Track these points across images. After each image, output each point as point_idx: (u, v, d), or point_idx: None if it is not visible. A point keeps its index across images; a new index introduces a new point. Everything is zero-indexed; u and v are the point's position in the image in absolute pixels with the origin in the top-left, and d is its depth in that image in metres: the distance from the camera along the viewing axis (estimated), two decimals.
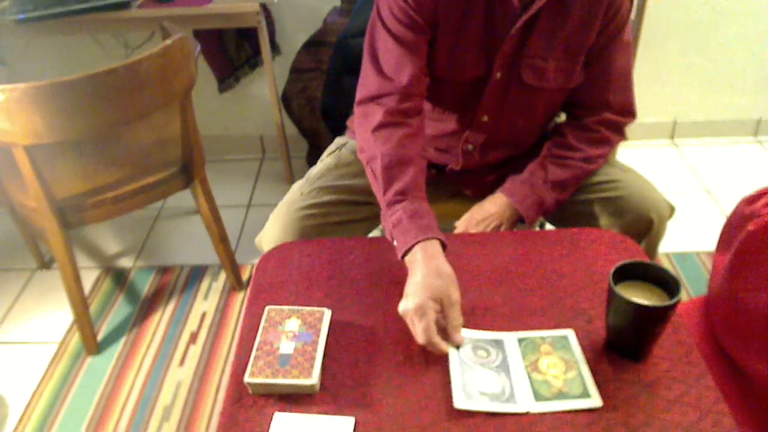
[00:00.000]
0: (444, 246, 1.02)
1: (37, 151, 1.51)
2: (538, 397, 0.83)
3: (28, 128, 1.43)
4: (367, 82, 1.19)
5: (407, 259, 1.00)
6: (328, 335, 0.93)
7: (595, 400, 0.82)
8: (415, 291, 0.93)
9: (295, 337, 0.91)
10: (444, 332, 0.91)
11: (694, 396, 0.82)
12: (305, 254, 1.11)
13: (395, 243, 1.04)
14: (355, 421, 0.81)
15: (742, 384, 1.23)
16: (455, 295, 0.93)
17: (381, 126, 1.14)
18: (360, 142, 1.18)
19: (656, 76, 2.54)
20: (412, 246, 0.99)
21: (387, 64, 1.16)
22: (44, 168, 1.57)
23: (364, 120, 1.17)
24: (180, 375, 1.74)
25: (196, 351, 1.81)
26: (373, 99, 1.17)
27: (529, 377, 0.86)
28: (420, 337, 0.89)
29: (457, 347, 0.90)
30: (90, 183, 1.69)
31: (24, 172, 1.52)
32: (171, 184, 1.77)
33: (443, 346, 0.89)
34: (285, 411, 0.83)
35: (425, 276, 0.94)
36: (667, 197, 1.29)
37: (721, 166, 2.53)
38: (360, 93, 1.20)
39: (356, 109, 1.20)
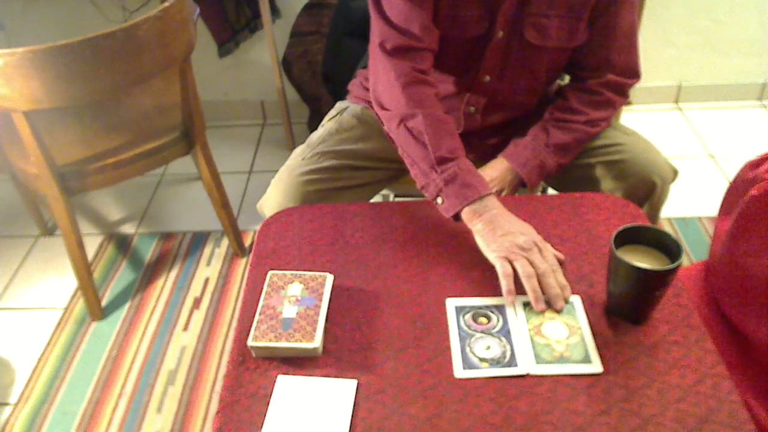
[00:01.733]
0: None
1: (36, 116, 1.50)
2: (539, 360, 0.83)
3: (27, 93, 1.42)
4: (382, 31, 1.16)
5: (470, 210, 1.01)
6: (330, 300, 0.93)
7: (595, 366, 0.82)
8: (521, 230, 0.96)
9: (298, 302, 0.92)
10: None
11: (693, 359, 0.83)
12: (307, 219, 1.11)
13: (439, 201, 1.04)
14: (358, 383, 0.82)
15: (741, 348, 1.24)
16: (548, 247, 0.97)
17: (412, 83, 1.13)
18: (383, 97, 1.16)
19: (662, 39, 2.50)
20: (484, 197, 1.01)
21: (399, 14, 1.14)
22: (44, 134, 1.56)
23: (385, 71, 1.15)
24: (184, 340, 1.75)
25: (199, 316, 1.82)
26: (400, 51, 1.15)
27: (532, 341, 0.86)
28: (540, 266, 0.92)
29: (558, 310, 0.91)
30: (90, 149, 1.69)
31: (24, 138, 1.51)
32: (172, 149, 1.76)
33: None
34: (288, 374, 0.84)
35: (519, 221, 0.98)
36: (670, 161, 1.28)
37: (726, 131, 2.51)
38: (375, 42, 1.17)
39: (380, 58, 1.17)
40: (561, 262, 0.96)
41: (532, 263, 0.92)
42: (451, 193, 1.03)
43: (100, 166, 1.67)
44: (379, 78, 1.17)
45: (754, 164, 1.11)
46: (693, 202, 2.13)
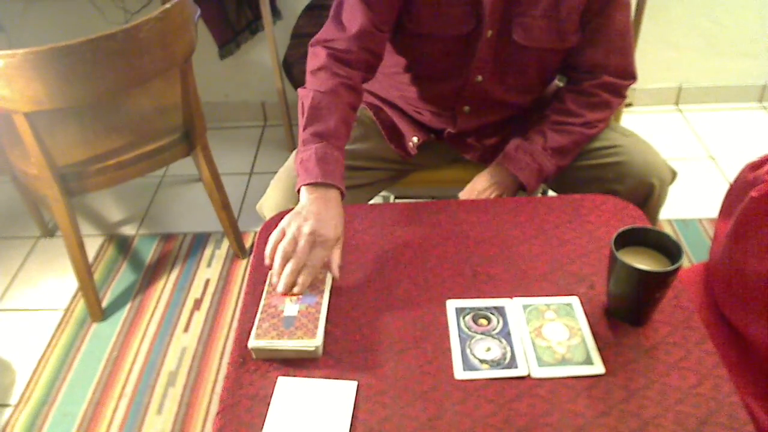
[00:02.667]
0: (342, 196, 1.04)
1: (37, 118, 1.50)
2: (540, 362, 0.83)
3: (28, 95, 1.42)
4: (325, 27, 1.20)
5: (303, 191, 1.02)
6: (330, 301, 0.93)
7: (597, 368, 0.82)
8: (315, 221, 0.96)
9: (299, 300, 0.92)
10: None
11: (693, 360, 0.83)
12: None
13: (298, 178, 1.05)
14: (358, 384, 0.82)
15: (741, 349, 1.24)
16: (341, 241, 0.98)
17: (321, 68, 1.14)
18: (305, 80, 1.19)
19: (662, 41, 2.50)
20: (311, 183, 1.01)
21: (345, 12, 1.16)
22: (45, 135, 1.56)
23: (310, 60, 1.18)
24: (184, 341, 1.75)
25: (200, 317, 1.82)
26: (322, 42, 1.17)
27: (533, 343, 0.86)
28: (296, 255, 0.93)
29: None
30: (91, 150, 1.69)
31: (25, 140, 1.52)
32: (172, 151, 1.76)
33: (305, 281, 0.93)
34: (288, 375, 0.84)
35: (323, 218, 0.98)
36: (670, 163, 1.28)
37: (726, 133, 2.51)
38: (315, 36, 1.20)
39: (309, 50, 1.20)
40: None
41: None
42: (302, 171, 1.04)
43: (101, 167, 1.67)
44: (307, 62, 1.19)
45: (755, 166, 1.11)
46: (693, 204, 2.13)
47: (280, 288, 0.93)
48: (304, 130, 1.09)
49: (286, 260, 0.94)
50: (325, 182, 1.01)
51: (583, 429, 0.75)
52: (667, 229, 2.02)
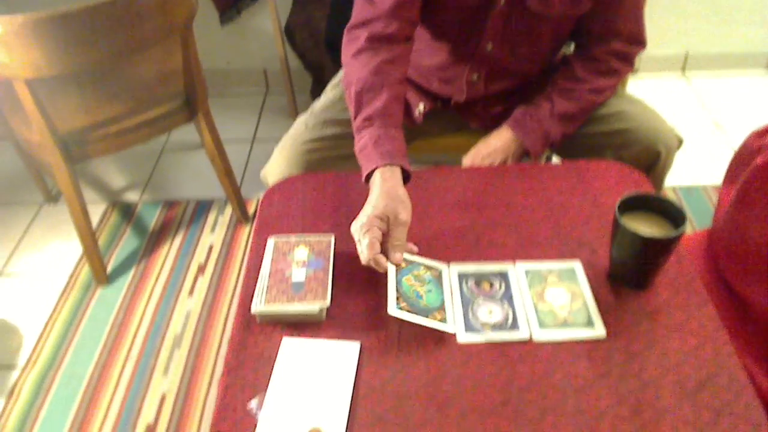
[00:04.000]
0: (407, 174, 1.01)
1: (38, 84, 1.49)
2: (542, 325, 0.84)
3: (28, 61, 1.41)
4: (355, 9, 1.17)
5: (370, 183, 1.00)
6: (334, 265, 0.94)
7: (598, 331, 0.83)
8: (364, 211, 0.93)
9: (305, 265, 0.92)
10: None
11: (694, 324, 0.83)
12: (310, 187, 1.11)
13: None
14: (361, 345, 0.83)
15: (742, 314, 1.24)
16: (403, 216, 0.93)
17: (361, 51, 1.12)
18: (344, 68, 1.17)
19: (669, 7, 2.47)
20: (372, 171, 0.99)
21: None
22: (46, 102, 1.55)
23: (347, 46, 1.16)
24: (189, 305, 1.77)
25: (204, 282, 1.84)
26: (359, 25, 1.14)
27: (535, 307, 0.87)
28: (363, 253, 0.89)
29: (396, 266, 0.91)
30: (92, 117, 1.68)
31: (26, 106, 1.51)
32: (174, 117, 1.75)
33: (383, 261, 0.89)
34: (293, 336, 0.85)
35: (377, 197, 0.95)
36: (675, 129, 1.27)
37: (732, 100, 2.49)
38: (350, 21, 1.17)
39: (344, 37, 1.18)
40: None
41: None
42: (362, 160, 1.03)
43: (103, 133, 1.66)
44: (344, 49, 1.17)
45: (760, 133, 1.10)
46: (698, 171, 2.12)
47: (394, 261, 0.90)
48: (355, 118, 1.08)
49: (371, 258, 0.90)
50: (385, 164, 0.99)
51: (583, 390, 0.76)
52: (671, 197, 2.01)
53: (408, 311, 0.84)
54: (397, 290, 0.87)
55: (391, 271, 0.90)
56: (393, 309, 0.84)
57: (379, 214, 0.92)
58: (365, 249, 0.89)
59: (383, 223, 0.92)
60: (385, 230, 0.92)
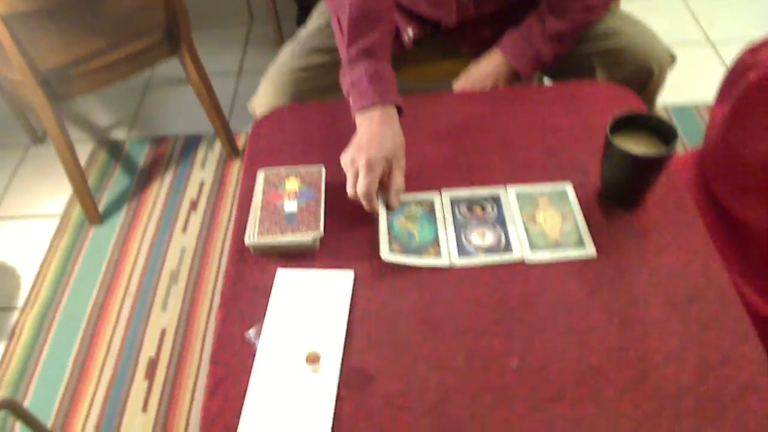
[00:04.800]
0: (400, 111, 1.00)
1: (15, 21, 1.45)
2: (534, 247, 0.85)
3: None
4: None
5: (360, 118, 0.98)
6: (325, 195, 0.94)
7: (589, 250, 0.84)
8: (369, 146, 0.91)
9: (297, 196, 0.92)
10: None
11: (684, 240, 0.84)
12: (299, 117, 1.09)
13: (351, 101, 1.01)
14: (355, 273, 0.84)
15: (732, 231, 1.26)
16: (403, 161, 0.93)
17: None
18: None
19: None
20: (368, 107, 0.97)
21: None
22: (25, 39, 1.51)
23: None
24: (183, 241, 1.78)
25: (197, 218, 1.84)
26: None
27: (526, 229, 0.87)
28: (361, 188, 0.88)
29: (388, 209, 0.91)
30: (73, 53, 1.64)
31: (4, 44, 1.47)
32: (157, 50, 1.71)
33: (376, 204, 0.89)
34: (287, 267, 0.86)
35: (381, 136, 0.93)
36: (667, 47, 1.25)
37: (726, 16, 2.44)
38: None
39: None
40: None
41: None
42: (356, 95, 1.00)
43: (85, 69, 1.63)
44: None
45: (754, 49, 1.08)
46: (690, 90, 2.10)
47: (393, 206, 0.91)
48: (348, 47, 1.03)
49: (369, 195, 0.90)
50: (385, 104, 0.97)
51: (573, 307, 0.78)
52: (663, 116, 2.00)
53: (401, 253, 0.85)
54: (388, 233, 0.87)
55: (382, 215, 0.90)
56: (386, 254, 0.84)
57: (386, 155, 0.91)
58: (365, 185, 0.88)
59: (387, 165, 0.91)
60: (386, 172, 0.91)
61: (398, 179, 0.92)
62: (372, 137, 0.93)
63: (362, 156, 0.90)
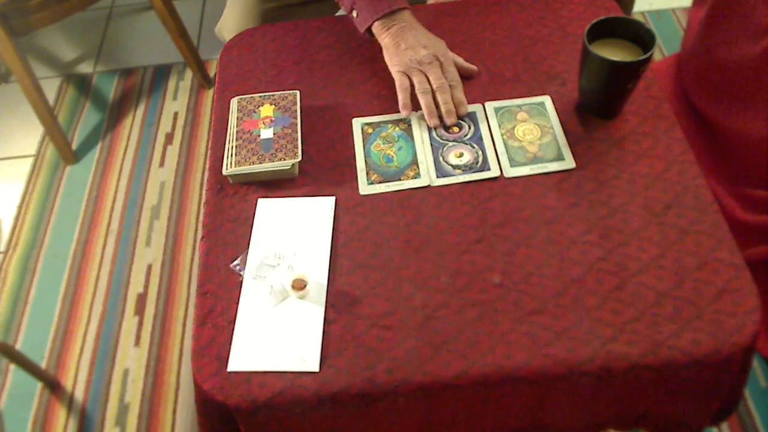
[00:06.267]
0: None
1: None
2: (513, 162, 0.85)
3: None
4: None
5: (383, 25, 0.94)
6: (301, 120, 0.92)
7: (568, 162, 0.84)
8: (427, 43, 0.92)
9: (273, 122, 0.90)
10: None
11: (662, 148, 0.84)
12: (270, 39, 1.06)
13: (354, 15, 0.97)
14: (336, 199, 0.84)
15: (709, 136, 1.27)
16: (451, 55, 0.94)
17: None
18: None
19: None
20: (398, 11, 0.94)
21: None
22: None
23: None
24: (162, 175, 1.76)
25: (174, 151, 1.81)
26: None
27: (505, 145, 0.87)
28: (435, 82, 0.90)
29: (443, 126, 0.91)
30: None
31: None
32: None
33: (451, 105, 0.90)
34: (268, 197, 0.85)
35: (427, 35, 0.93)
36: None
37: None
38: None
39: None
40: (471, 74, 0.95)
41: (429, 78, 0.91)
42: (363, 6, 0.96)
43: (42, 0, 1.55)
44: None
45: None
46: None
47: (451, 119, 0.89)
48: None
49: (431, 97, 0.90)
50: (399, 8, 0.94)
51: (553, 221, 0.79)
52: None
53: (380, 182, 0.84)
54: (366, 164, 0.86)
55: (359, 144, 0.89)
56: (365, 188, 0.84)
57: (443, 51, 0.92)
58: (437, 78, 0.90)
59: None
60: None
61: (453, 75, 0.92)
62: (420, 37, 0.93)
63: (426, 52, 0.91)
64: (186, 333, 1.46)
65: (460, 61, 0.94)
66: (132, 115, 1.91)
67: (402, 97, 0.91)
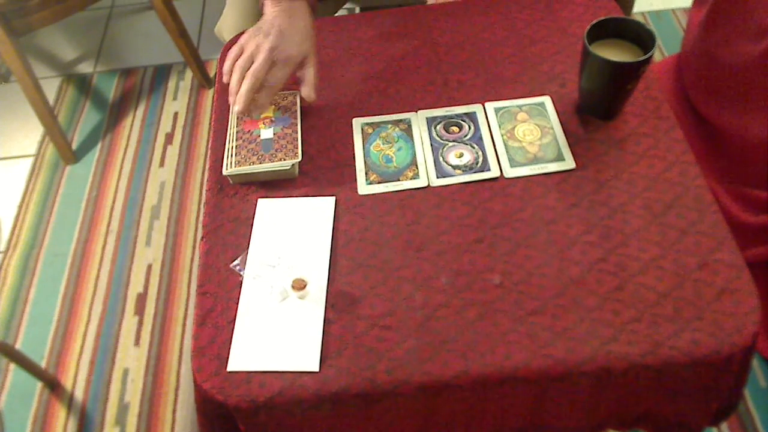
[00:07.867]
0: (313, 10, 0.95)
1: None
2: (513, 163, 0.85)
3: None
4: None
5: (266, 7, 0.92)
6: (301, 119, 0.92)
7: (568, 163, 0.84)
8: (282, 37, 0.87)
9: (273, 123, 0.90)
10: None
11: (662, 149, 0.84)
12: None
13: None
14: (336, 199, 0.84)
15: (709, 137, 1.27)
16: (316, 59, 0.91)
17: None
18: None
19: None
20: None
21: None
22: None
23: None
24: (162, 175, 1.76)
25: (174, 151, 1.81)
26: None
27: (506, 145, 0.87)
28: (253, 68, 0.85)
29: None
30: None
31: None
32: None
33: (247, 102, 0.86)
34: (268, 197, 0.85)
35: (300, 33, 0.89)
36: None
37: None
38: None
39: None
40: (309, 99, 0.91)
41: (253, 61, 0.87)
42: None
43: (42, 0, 1.55)
44: None
45: None
46: None
47: (237, 107, 0.86)
48: None
49: (243, 78, 0.86)
50: None
51: (553, 221, 0.79)
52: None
53: (379, 182, 0.84)
54: (365, 163, 0.86)
55: (358, 144, 0.89)
56: (363, 188, 0.84)
57: (303, 51, 0.88)
58: (256, 70, 0.85)
59: (298, 62, 0.89)
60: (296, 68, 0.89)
61: (313, 74, 0.90)
62: (276, 29, 0.88)
63: (269, 42, 0.86)
64: (186, 333, 1.46)
65: (310, 78, 0.90)
66: (132, 115, 1.92)
67: (227, 66, 0.89)
